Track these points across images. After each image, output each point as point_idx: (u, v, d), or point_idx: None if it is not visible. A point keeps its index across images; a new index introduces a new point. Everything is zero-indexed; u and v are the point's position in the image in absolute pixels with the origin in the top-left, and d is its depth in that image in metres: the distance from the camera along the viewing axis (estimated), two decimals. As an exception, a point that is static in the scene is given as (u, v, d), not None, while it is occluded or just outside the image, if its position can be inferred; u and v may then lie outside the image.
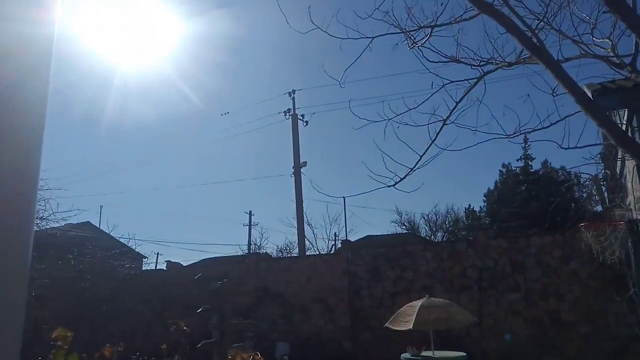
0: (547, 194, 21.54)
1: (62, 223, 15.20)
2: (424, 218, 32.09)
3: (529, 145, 23.75)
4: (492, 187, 28.07)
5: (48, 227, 14.52)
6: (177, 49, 16.38)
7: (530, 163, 25.59)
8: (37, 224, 14.09)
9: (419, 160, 5.36)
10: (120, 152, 42.22)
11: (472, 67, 5.61)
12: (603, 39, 5.48)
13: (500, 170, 27.77)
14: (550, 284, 11.08)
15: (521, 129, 4.53)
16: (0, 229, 0.86)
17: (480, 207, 29.68)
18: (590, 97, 6.80)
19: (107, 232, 20.65)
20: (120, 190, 48.33)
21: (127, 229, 24.13)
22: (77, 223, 17.84)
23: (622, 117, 8.23)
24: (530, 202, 22.38)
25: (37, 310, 12.61)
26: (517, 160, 26.01)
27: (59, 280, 11.84)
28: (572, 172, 23.68)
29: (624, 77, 6.46)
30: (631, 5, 3.69)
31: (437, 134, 5.40)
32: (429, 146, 5.35)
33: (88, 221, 22.69)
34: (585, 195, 24.41)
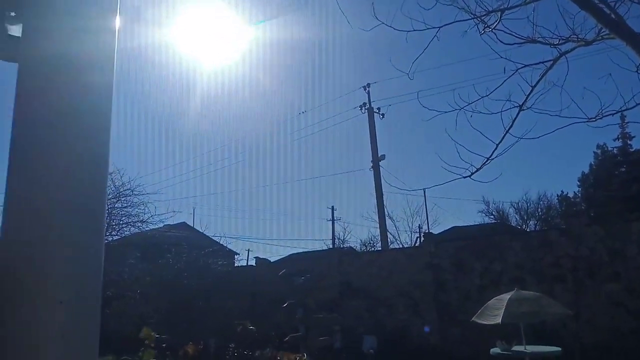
0: (651, 175, 19.72)
1: (160, 225, 16.43)
2: (513, 207, 30.73)
3: (626, 124, 21.85)
4: (586, 171, 26.19)
5: (148, 229, 15.77)
6: (252, 53, 17.00)
7: (629, 142, 23.54)
8: (138, 226, 15.34)
9: (495, 149, 5.21)
10: (210, 155, 44.43)
11: (552, 46, 5.32)
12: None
13: (594, 152, 25.83)
14: (655, 273, 10.20)
15: (604, 110, 4.27)
16: (73, 230, 0.91)
17: (574, 192, 27.83)
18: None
19: (201, 231, 21.96)
20: (211, 192, 50.93)
21: (219, 228, 25.50)
22: (174, 224, 19.17)
23: None
24: (631, 184, 20.59)
25: (143, 306, 13.75)
26: (614, 140, 24.04)
27: (159, 279, 12.79)
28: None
29: None
30: None
31: (514, 120, 5.21)
32: (505, 134, 5.18)
33: (184, 222, 24.29)
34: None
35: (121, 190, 15.15)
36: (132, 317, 13.04)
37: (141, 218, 15.32)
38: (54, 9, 0.99)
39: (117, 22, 1.07)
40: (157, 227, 16.26)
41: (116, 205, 15.27)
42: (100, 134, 1.00)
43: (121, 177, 15.75)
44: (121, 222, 15.32)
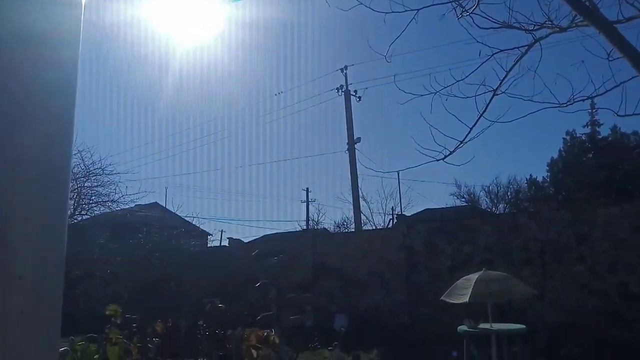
0: (617, 162, 20.31)
1: (132, 205, 16.19)
2: (484, 190, 31.35)
3: (595, 111, 22.40)
4: (555, 156, 26.83)
5: (119, 208, 15.52)
6: (229, 33, 16.70)
7: (597, 129, 24.16)
8: (108, 206, 15.09)
9: (469, 133, 5.26)
10: (181, 135, 43.82)
11: (526, 31, 5.36)
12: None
13: (564, 138, 26.44)
14: (619, 257, 10.58)
15: (575, 96, 4.35)
16: (34, 206, 0.89)
17: (543, 177, 28.51)
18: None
19: (173, 211, 21.72)
20: (184, 172, 50.31)
21: (192, 209, 25.30)
22: (146, 204, 18.91)
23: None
24: (598, 170, 21.20)
25: (113, 286, 13.60)
26: (583, 126, 24.65)
27: (130, 258, 12.65)
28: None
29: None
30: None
31: (487, 105, 5.26)
32: (479, 118, 5.24)
33: (155, 202, 23.97)
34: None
35: (91, 169, 14.84)
36: (102, 296, 12.90)
37: (112, 197, 15.10)
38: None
39: None
40: (128, 207, 16.03)
41: (86, 184, 14.97)
42: (64, 110, 0.97)
43: (91, 155, 15.42)
44: (91, 202, 15.04)
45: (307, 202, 33.66)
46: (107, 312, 3.62)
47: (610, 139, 24.05)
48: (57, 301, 0.91)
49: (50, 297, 0.90)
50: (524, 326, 8.45)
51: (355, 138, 21.39)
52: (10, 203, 0.86)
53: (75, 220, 15.12)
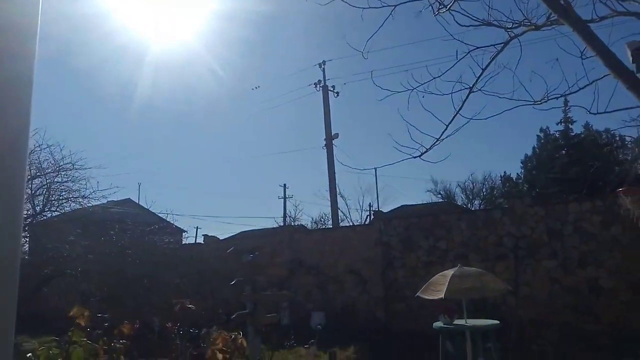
0: (589, 158, 20.77)
1: (104, 201, 15.81)
2: (460, 186, 31.74)
3: (569, 108, 22.84)
4: (529, 153, 27.30)
5: (90, 205, 15.14)
6: (206, 25, 16.43)
7: (570, 127, 24.66)
8: (79, 202, 14.70)
9: (445, 130, 5.25)
10: (155, 130, 43.18)
11: (505, 29, 5.38)
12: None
13: (538, 135, 26.93)
14: (588, 252, 10.81)
15: (549, 94, 4.37)
16: None
17: (517, 173, 29.01)
18: (630, 55, 6.46)
19: (147, 208, 21.35)
20: (158, 167, 49.66)
21: (166, 205, 24.98)
22: (118, 200, 18.52)
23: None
24: (571, 167, 21.65)
25: (84, 284, 13.28)
26: (557, 124, 25.12)
27: (102, 256, 12.37)
28: (616, 134, 22.73)
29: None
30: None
31: (464, 102, 5.27)
32: (455, 115, 5.23)
33: (129, 198, 23.54)
34: (629, 157, 23.46)
35: (61, 164, 14.41)
36: (72, 295, 12.58)
37: (83, 193, 14.68)
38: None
39: None
40: (100, 203, 15.65)
41: (56, 180, 14.54)
42: (21, 105, 0.93)
43: (61, 150, 14.97)
44: (61, 198, 14.61)
45: (285, 198, 33.56)
46: (71, 313, 3.49)
47: (582, 135, 24.60)
48: (11, 302, 0.86)
49: (2, 297, 0.85)
50: (497, 322, 8.56)
51: (332, 134, 21.37)
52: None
53: (45, 217, 14.71)
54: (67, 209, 14.82)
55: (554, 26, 4.74)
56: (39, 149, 13.71)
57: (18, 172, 0.91)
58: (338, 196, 22.37)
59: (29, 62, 0.94)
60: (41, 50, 0.97)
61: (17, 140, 0.92)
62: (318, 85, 22.08)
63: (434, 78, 5.35)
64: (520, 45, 5.07)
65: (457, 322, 8.51)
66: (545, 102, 4.39)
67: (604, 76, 3.81)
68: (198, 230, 28.22)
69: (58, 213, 14.65)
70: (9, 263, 0.87)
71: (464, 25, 5.34)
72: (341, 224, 22.91)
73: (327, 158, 21.21)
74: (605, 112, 3.84)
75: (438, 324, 8.62)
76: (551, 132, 26.14)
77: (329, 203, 21.43)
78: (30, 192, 13.46)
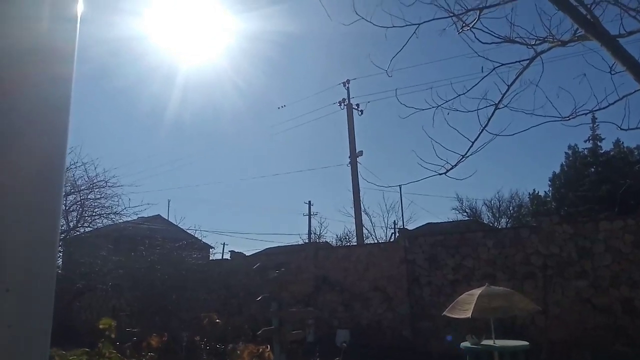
0: (620, 176, 20.27)
1: (135, 217, 16.19)
2: (486, 204, 31.30)
3: (597, 126, 22.43)
4: (557, 170, 26.80)
5: (121, 221, 15.51)
6: (232, 46, 16.83)
7: (599, 144, 24.15)
8: (111, 218, 15.08)
9: (471, 146, 5.26)
10: (184, 147, 43.99)
11: (528, 46, 5.40)
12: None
13: (566, 153, 26.44)
14: (621, 271, 10.51)
15: (577, 110, 4.36)
16: (27, 221, 0.88)
17: (545, 191, 28.46)
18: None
19: (176, 224, 21.70)
20: (187, 184, 50.41)
21: (194, 221, 25.35)
22: (148, 216, 18.90)
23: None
24: (601, 185, 21.16)
25: (115, 300, 13.54)
26: (585, 141, 24.65)
27: (132, 271, 12.61)
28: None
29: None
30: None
31: (489, 119, 5.28)
32: (481, 132, 5.25)
33: (158, 214, 23.97)
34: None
35: (95, 181, 14.85)
36: (103, 309, 12.83)
37: (115, 210, 15.09)
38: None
39: (79, 10, 1.02)
40: (130, 219, 16.03)
41: (89, 197, 14.97)
42: (58, 125, 0.96)
43: (95, 168, 15.43)
44: (94, 214, 15.03)
45: (310, 215, 33.62)
46: (100, 326, 3.58)
47: (612, 153, 24.05)
48: (47, 315, 0.88)
49: (40, 310, 0.87)
50: (527, 343, 8.38)
51: (357, 151, 21.43)
52: (2, 218, 0.85)
53: (78, 233, 15.11)
54: (100, 224, 15.23)
55: (580, 42, 4.75)
56: (74, 166, 14.19)
57: (55, 189, 0.94)
58: (363, 213, 22.34)
59: (66, 85, 0.98)
60: (78, 72, 1.01)
61: (55, 158, 0.95)
62: (342, 104, 22.25)
63: (459, 95, 5.39)
64: (542, 63, 5.07)
65: (485, 342, 8.37)
66: (574, 117, 4.38)
67: (635, 91, 3.80)
68: (225, 246, 28.47)
69: (90, 229, 15.06)
70: (46, 278, 0.89)
71: (487, 43, 5.39)
72: (366, 241, 22.81)
73: (352, 175, 21.26)
74: (637, 128, 3.81)
75: (465, 344, 8.50)
76: (579, 150, 25.67)
77: (354, 220, 21.41)
78: (64, 208, 13.89)
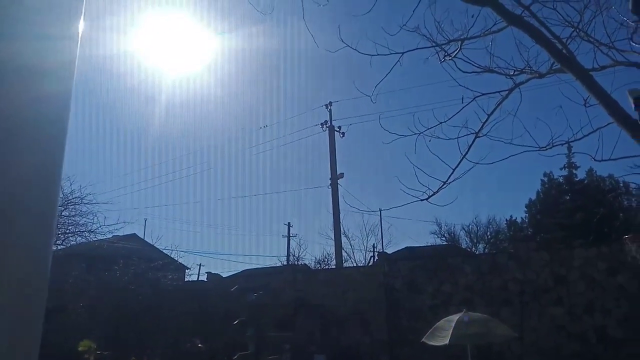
0: (593, 204, 20.74)
1: (110, 235, 15.83)
2: (464, 229, 31.55)
3: (572, 154, 22.98)
4: (533, 197, 27.26)
5: (96, 239, 15.16)
6: (216, 65, 16.92)
7: (574, 172, 24.72)
8: (85, 236, 14.72)
9: (451, 174, 5.36)
10: (163, 166, 43.50)
11: (507, 76, 5.57)
12: (642, 45, 5.34)
13: (542, 180, 26.95)
14: (595, 298, 10.67)
15: (554, 141, 4.48)
16: (21, 235, 0.87)
17: (522, 217, 28.88)
18: (632, 103, 6.62)
19: (152, 243, 21.31)
20: (165, 203, 49.73)
21: (171, 241, 24.93)
22: (124, 235, 18.52)
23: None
24: (575, 212, 21.59)
25: (86, 320, 13.13)
26: (561, 169, 25.19)
27: (105, 291, 12.30)
28: (620, 181, 22.75)
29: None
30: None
31: (470, 147, 5.39)
32: (461, 160, 5.35)
33: (134, 233, 23.52)
34: (634, 204, 23.41)
35: (70, 198, 14.53)
36: (74, 330, 12.43)
37: (89, 228, 14.73)
38: (15, 15, 0.94)
39: (80, 28, 1.02)
40: (105, 237, 15.68)
41: (63, 214, 14.61)
42: (55, 142, 0.96)
43: (70, 184, 15.10)
44: (67, 232, 14.65)
45: (289, 236, 33.39)
46: (80, 348, 3.48)
47: (586, 181, 24.60)
48: (36, 333, 0.87)
49: (29, 328, 0.86)
50: (504, 368, 8.39)
51: (338, 173, 21.50)
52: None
53: (50, 251, 14.64)
54: (73, 242, 14.84)
55: (557, 74, 4.91)
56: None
57: (50, 209, 0.93)
58: (342, 236, 22.30)
59: (65, 100, 0.98)
60: None
61: (52, 174, 0.94)
62: (324, 126, 22.40)
63: (440, 123, 5.51)
64: (521, 93, 5.23)
65: (462, 368, 8.35)
66: (551, 148, 4.49)
67: (608, 124, 3.92)
68: (201, 267, 28.02)
69: (63, 247, 14.67)
70: (37, 295, 0.88)
71: (467, 72, 5.54)
72: (345, 264, 22.72)
73: (332, 197, 21.27)
74: (610, 160, 3.93)
75: (443, 370, 8.46)
76: (555, 177, 26.21)
77: (333, 243, 21.35)
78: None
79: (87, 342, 3.71)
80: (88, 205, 14.65)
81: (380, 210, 23.39)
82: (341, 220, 21.29)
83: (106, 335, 11.03)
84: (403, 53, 5.34)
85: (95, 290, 12.38)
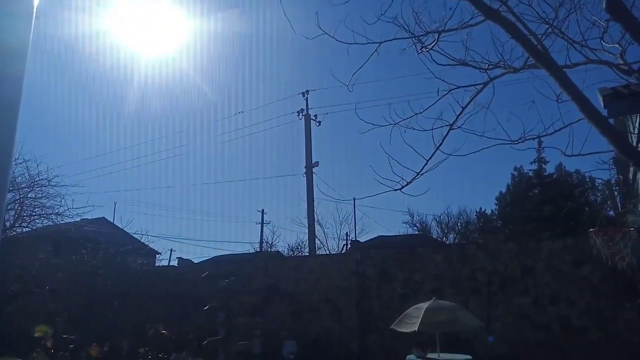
0: (561, 198, 21.30)
1: (78, 218, 15.48)
2: (435, 220, 32.03)
3: (542, 149, 23.50)
4: (504, 190, 27.82)
5: (63, 222, 14.80)
6: (192, 47, 16.58)
7: (544, 166, 25.31)
8: (52, 219, 14.38)
9: (425, 164, 5.38)
10: (135, 149, 42.73)
11: (481, 70, 5.62)
12: (613, 44, 5.45)
13: (512, 173, 27.52)
14: (560, 289, 10.98)
15: (526, 135, 4.55)
16: None
17: (492, 210, 29.48)
18: (602, 101, 6.76)
19: (122, 227, 20.96)
20: (136, 187, 48.96)
21: (142, 225, 24.59)
22: (93, 218, 18.15)
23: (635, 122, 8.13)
24: (544, 205, 22.15)
25: (52, 304, 12.87)
26: (531, 163, 25.76)
27: (72, 275, 12.05)
28: (587, 176, 23.40)
29: (637, 83, 6.39)
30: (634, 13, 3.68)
31: (444, 138, 5.42)
32: (435, 151, 5.38)
33: (103, 217, 23.08)
34: (599, 199, 24.13)
35: (36, 179, 14.11)
36: (40, 315, 12.18)
37: (56, 210, 14.35)
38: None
39: (35, 9, 0.96)
40: (73, 220, 15.32)
41: (29, 195, 14.21)
42: (5, 124, 0.92)
43: (37, 165, 14.67)
44: (33, 214, 14.26)
45: (262, 223, 33.33)
46: (36, 334, 3.39)
47: (555, 176, 25.25)
48: None
49: None
50: (470, 356, 8.59)
51: (313, 162, 21.49)
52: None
53: (15, 233, 14.29)
54: (39, 225, 14.46)
55: (531, 69, 4.97)
56: (14, 163, 13.45)
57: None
58: (316, 224, 22.36)
59: (17, 82, 0.94)
60: (27, 67, 0.97)
61: (1, 156, 0.92)
62: (300, 114, 22.30)
63: (416, 114, 5.52)
64: (494, 87, 5.28)
65: (430, 355, 8.52)
66: (522, 142, 4.56)
67: (579, 120, 3.99)
68: (172, 252, 27.75)
69: (29, 229, 14.28)
70: None
71: (442, 65, 5.57)
72: (318, 252, 22.82)
73: (307, 186, 21.27)
74: (579, 155, 4.01)
75: (411, 357, 8.61)
76: (525, 171, 26.80)
77: (307, 230, 21.39)
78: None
79: (44, 327, 3.63)
80: (56, 188, 14.28)
81: (354, 199, 23.54)
82: (315, 209, 21.35)
83: (73, 319, 10.84)
84: (380, 43, 5.32)
85: (62, 274, 12.12)
